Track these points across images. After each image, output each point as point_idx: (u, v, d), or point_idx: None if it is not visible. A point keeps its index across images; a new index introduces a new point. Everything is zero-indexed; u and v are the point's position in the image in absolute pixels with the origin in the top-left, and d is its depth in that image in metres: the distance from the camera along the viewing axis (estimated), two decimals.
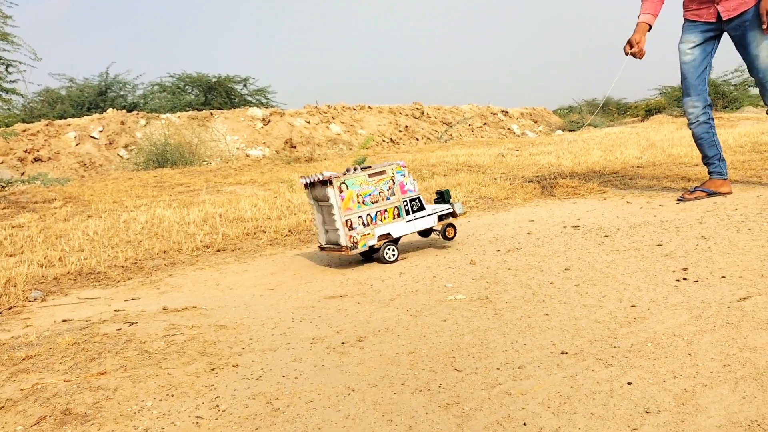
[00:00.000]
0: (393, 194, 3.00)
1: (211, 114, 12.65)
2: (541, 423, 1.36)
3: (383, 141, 13.72)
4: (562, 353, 1.71)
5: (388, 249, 2.98)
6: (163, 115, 12.15)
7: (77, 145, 10.61)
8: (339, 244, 2.92)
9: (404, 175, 3.04)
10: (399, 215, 3.01)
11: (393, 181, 3.00)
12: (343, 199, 2.88)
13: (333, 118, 14.05)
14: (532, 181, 5.19)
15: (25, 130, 10.38)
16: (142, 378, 1.77)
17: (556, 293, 2.24)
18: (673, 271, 2.35)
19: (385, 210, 2.98)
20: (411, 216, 3.04)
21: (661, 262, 2.50)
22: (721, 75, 18.75)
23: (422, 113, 15.80)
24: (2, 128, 7.71)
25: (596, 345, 1.74)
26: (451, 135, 14.83)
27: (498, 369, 1.65)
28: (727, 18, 3.61)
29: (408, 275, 2.73)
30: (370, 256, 3.06)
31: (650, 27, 3.78)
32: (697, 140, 3.88)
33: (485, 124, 16.62)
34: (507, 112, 18.05)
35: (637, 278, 2.32)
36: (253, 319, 2.29)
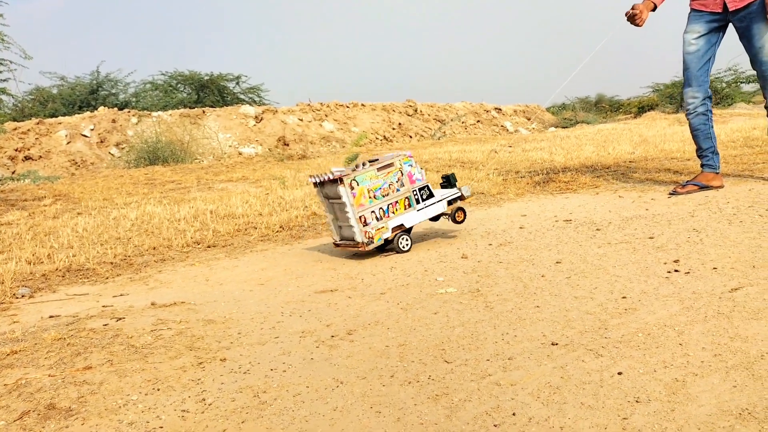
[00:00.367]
0: (402, 185, 3.03)
1: (204, 112, 12.59)
2: (531, 413, 1.34)
3: (377, 138, 13.70)
4: (553, 344, 1.70)
5: (402, 239, 3.02)
6: (154, 113, 12.09)
7: (68, 143, 10.54)
8: (354, 240, 2.95)
9: (412, 165, 3.06)
10: (410, 205, 3.05)
11: (401, 172, 3.03)
12: (354, 196, 2.90)
13: (326, 115, 14.02)
14: (524, 177, 5.18)
15: (15, 129, 10.31)
16: (128, 372, 1.75)
17: (548, 286, 2.23)
18: (665, 263, 2.34)
19: (397, 201, 3.01)
20: (422, 204, 3.08)
21: (653, 254, 2.49)
22: (713, 72, 18.80)
23: (416, 111, 15.78)
24: None
25: (587, 336, 1.73)
26: (444, 132, 14.82)
27: (488, 360, 1.64)
28: (734, 9, 3.60)
29: (399, 269, 2.71)
30: (384, 247, 3.06)
31: (655, 7, 3.75)
32: (693, 131, 3.88)
33: (478, 121, 16.62)
34: (500, 109, 18.06)
35: (629, 270, 2.31)
36: (242, 313, 2.27)
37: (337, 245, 3.08)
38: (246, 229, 3.99)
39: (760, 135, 6.71)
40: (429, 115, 15.97)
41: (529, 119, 18.28)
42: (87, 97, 15.01)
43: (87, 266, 3.26)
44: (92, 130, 10.96)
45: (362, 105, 15.05)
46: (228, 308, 2.35)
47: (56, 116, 12.48)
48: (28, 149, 10.13)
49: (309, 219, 4.18)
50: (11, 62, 6.97)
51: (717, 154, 3.87)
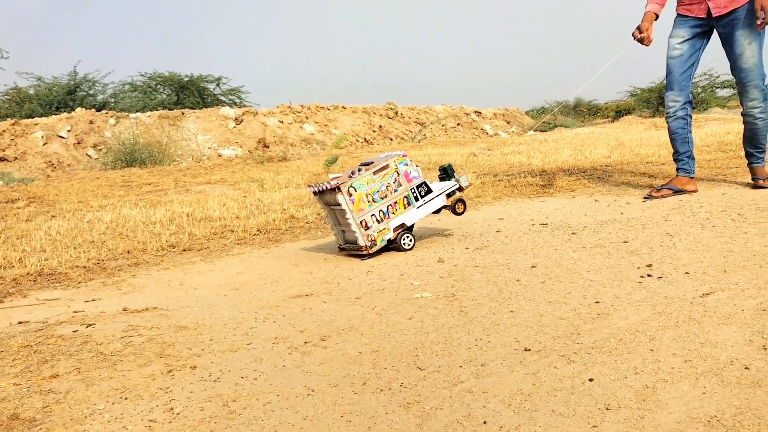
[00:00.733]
0: (400, 185, 3.04)
1: (183, 113, 12.48)
2: (502, 421, 1.34)
3: (357, 141, 13.69)
4: (526, 350, 1.69)
5: (404, 237, 3.05)
6: (133, 115, 11.96)
7: (45, 144, 10.39)
8: (358, 245, 2.98)
9: (407, 164, 3.08)
10: (409, 204, 3.06)
11: (398, 172, 3.04)
12: (353, 202, 2.91)
13: (306, 117, 13.98)
14: (502, 180, 5.20)
15: None
16: (96, 381, 1.71)
17: (522, 290, 2.23)
18: (638, 268, 2.36)
19: (396, 202, 3.03)
20: (420, 201, 3.10)
21: (626, 258, 2.51)
22: None
23: (396, 113, 15.79)
24: None
25: (559, 341, 1.73)
26: (424, 135, 14.85)
27: (461, 367, 1.63)
28: (717, 15, 3.64)
29: (375, 273, 2.70)
30: (387, 247, 3.07)
31: (657, 16, 3.82)
32: (672, 134, 3.92)
33: (459, 124, 16.67)
34: (480, 112, 18.14)
35: (602, 275, 2.32)
36: (215, 319, 2.24)
37: (341, 249, 3.11)
38: (223, 233, 3.96)
39: (734, 140, 6.80)
40: (409, 117, 15.99)
41: (508, 122, 18.38)
42: (64, 97, 14.80)
43: (59, 270, 3.21)
44: (69, 131, 10.81)
45: (343, 107, 15.04)
46: (201, 314, 2.32)
47: (33, 117, 12.29)
48: (3, 150, 9.96)
49: (287, 222, 4.16)
50: None
51: (693, 159, 3.92)
